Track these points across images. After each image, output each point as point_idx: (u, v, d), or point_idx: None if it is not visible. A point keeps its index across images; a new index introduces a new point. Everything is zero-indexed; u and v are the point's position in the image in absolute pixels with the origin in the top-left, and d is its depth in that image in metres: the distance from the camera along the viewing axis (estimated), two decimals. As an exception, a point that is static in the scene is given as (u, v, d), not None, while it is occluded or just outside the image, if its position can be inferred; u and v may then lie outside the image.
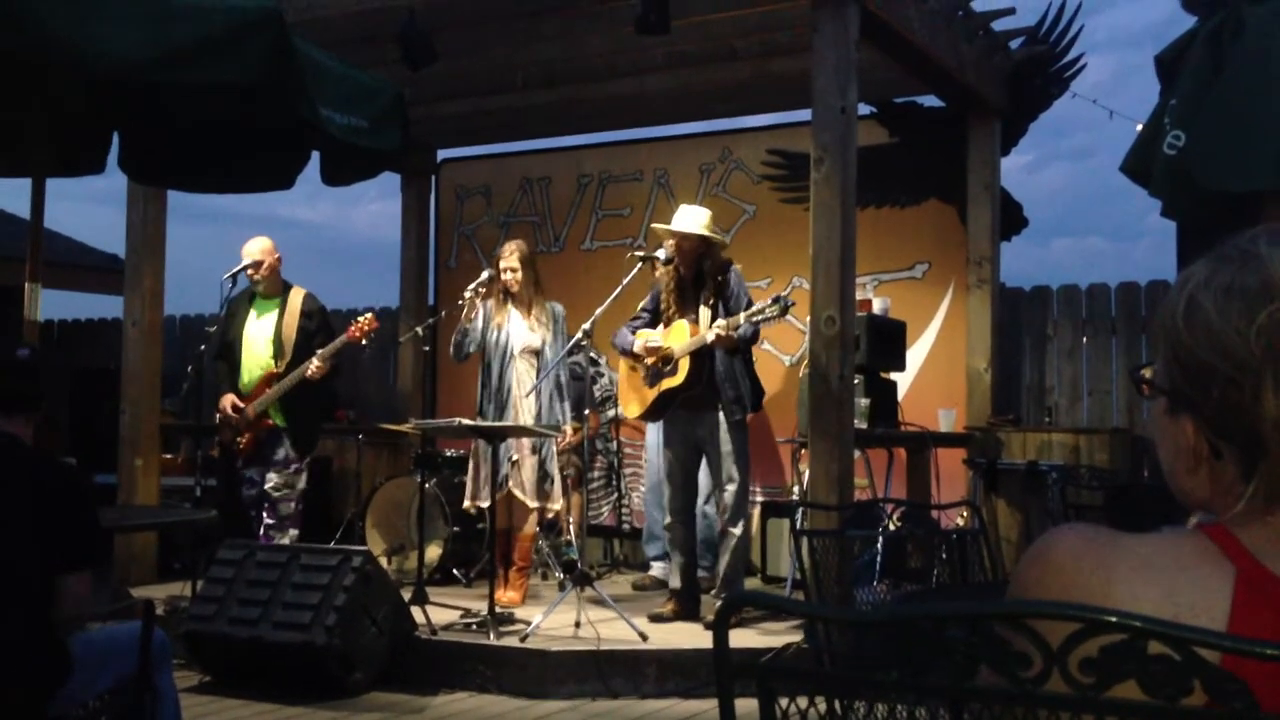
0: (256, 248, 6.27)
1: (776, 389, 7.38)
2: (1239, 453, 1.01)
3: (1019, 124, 7.42)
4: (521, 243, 6.35)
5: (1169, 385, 1.06)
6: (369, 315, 6.39)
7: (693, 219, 5.71)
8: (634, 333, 5.85)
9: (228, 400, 6.22)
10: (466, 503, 6.22)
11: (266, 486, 6.20)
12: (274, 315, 6.29)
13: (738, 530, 5.64)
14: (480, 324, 6.13)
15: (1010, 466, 6.41)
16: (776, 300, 5.35)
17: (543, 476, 6.07)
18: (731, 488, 5.62)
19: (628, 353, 5.84)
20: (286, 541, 6.04)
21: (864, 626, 0.94)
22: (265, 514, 6.21)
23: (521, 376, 6.08)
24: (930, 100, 7.47)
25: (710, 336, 5.43)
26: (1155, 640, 0.85)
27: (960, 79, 6.68)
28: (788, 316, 7.37)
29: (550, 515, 6.39)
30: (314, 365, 6.11)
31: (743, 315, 5.41)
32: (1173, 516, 1.23)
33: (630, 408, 5.96)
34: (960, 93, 6.97)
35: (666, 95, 7.62)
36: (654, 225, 6.67)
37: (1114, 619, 0.84)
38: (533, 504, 6.05)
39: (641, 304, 5.98)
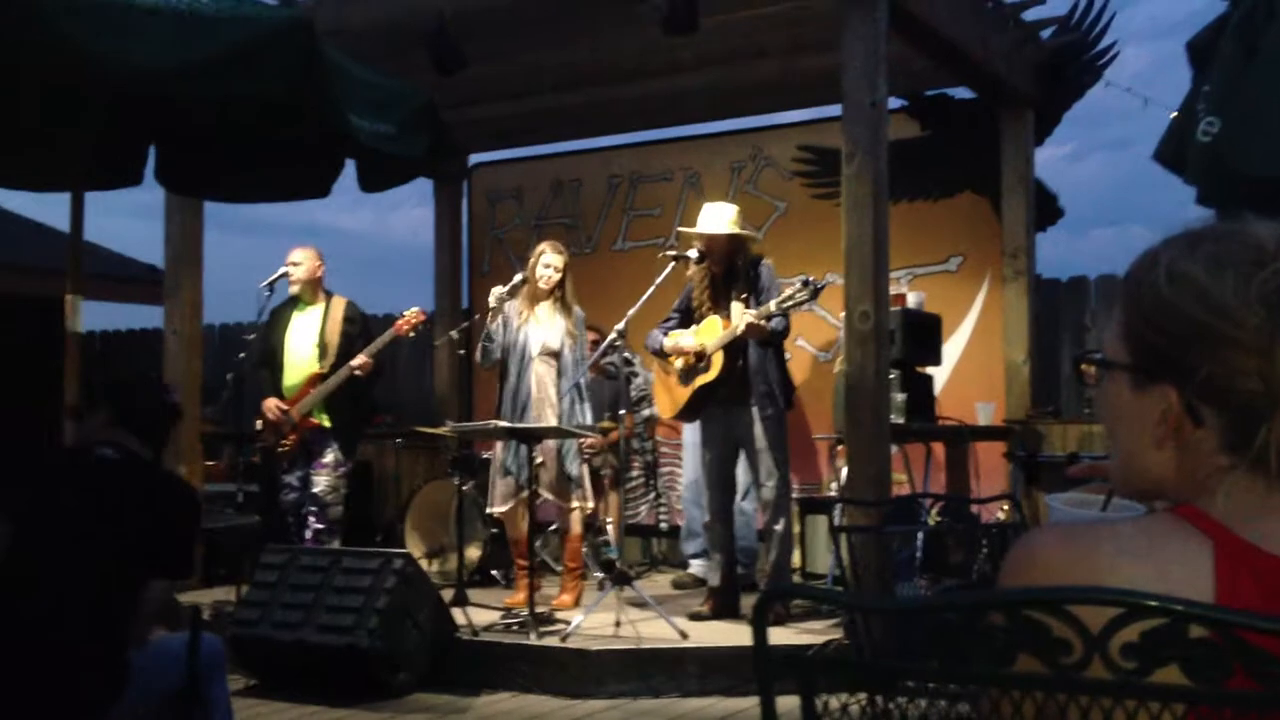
0: (300, 253, 6.40)
1: (811, 385, 7.36)
2: (1229, 419, 1.01)
3: (1052, 114, 7.36)
4: (560, 244, 6.26)
5: (1140, 359, 1.06)
6: (415, 309, 6.44)
7: (718, 217, 5.70)
8: (665, 334, 5.85)
9: (272, 403, 6.27)
10: (489, 509, 6.17)
11: (315, 490, 6.20)
12: (317, 320, 6.36)
13: (780, 526, 5.63)
14: (501, 327, 6.06)
15: (1051, 459, 6.35)
16: (806, 284, 5.32)
17: (567, 477, 6.02)
18: (771, 483, 5.60)
19: (658, 353, 5.84)
20: (336, 546, 6.08)
21: (905, 615, 0.94)
22: (313, 519, 6.23)
23: (541, 379, 5.99)
24: (962, 92, 7.43)
25: (741, 326, 5.42)
26: (1196, 624, 0.85)
27: (991, 70, 6.63)
28: (821, 311, 7.34)
29: (587, 514, 6.35)
30: (360, 360, 6.16)
31: (773, 303, 5.41)
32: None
33: (665, 409, 5.96)
34: (991, 84, 6.92)
35: (696, 94, 7.60)
36: (680, 229, 6.66)
37: (1155, 603, 0.84)
38: (572, 505, 6.01)
39: (675, 304, 5.98)
